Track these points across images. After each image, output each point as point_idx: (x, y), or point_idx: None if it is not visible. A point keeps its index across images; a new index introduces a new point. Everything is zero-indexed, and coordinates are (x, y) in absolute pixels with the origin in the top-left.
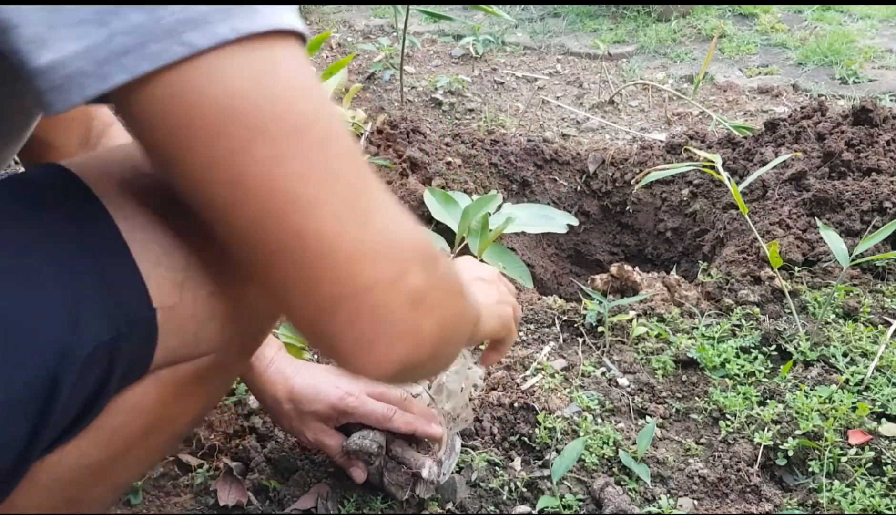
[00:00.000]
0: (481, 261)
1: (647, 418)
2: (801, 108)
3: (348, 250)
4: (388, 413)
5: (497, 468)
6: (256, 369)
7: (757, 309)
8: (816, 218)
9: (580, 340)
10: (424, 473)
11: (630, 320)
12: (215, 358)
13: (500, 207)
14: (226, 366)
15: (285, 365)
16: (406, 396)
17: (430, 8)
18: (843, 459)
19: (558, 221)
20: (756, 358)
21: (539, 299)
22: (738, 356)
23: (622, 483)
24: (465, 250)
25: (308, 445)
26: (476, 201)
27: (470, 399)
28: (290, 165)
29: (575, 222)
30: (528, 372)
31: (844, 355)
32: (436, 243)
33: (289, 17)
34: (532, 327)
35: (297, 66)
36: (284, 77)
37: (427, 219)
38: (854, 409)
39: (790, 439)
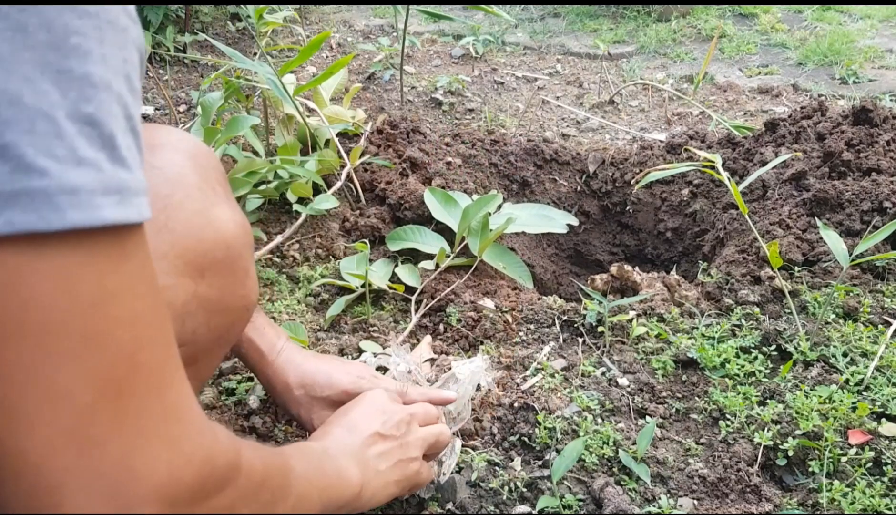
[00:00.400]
0: (482, 261)
1: (647, 418)
2: (801, 108)
3: (52, 480)
4: (401, 388)
5: (497, 468)
6: (267, 357)
7: (757, 309)
8: (816, 218)
9: (580, 340)
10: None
11: (630, 320)
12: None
13: (500, 207)
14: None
15: (295, 353)
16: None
17: (430, 8)
18: (843, 459)
19: (558, 221)
20: (756, 358)
21: (539, 299)
22: (738, 356)
23: (622, 483)
24: (466, 250)
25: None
26: (476, 200)
27: (471, 399)
28: (13, 372)
29: (575, 222)
30: (528, 372)
31: (844, 355)
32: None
33: (114, 210)
34: (532, 327)
35: (70, 260)
36: (42, 274)
37: (427, 218)
38: (854, 409)
39: (790, 439)
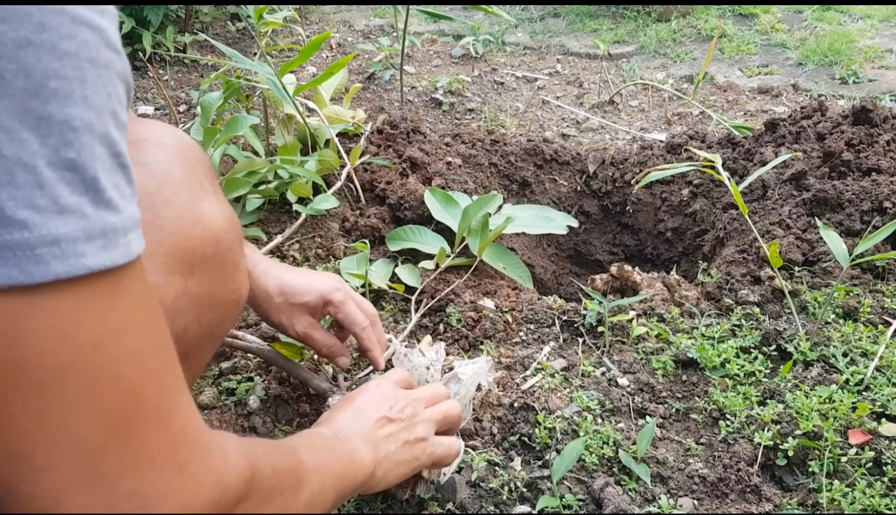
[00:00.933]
0: (482, 261)
1: (647, 418)
2: (801, 108)
3: None
4: (363, 323)
5: (497, 468)
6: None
7: (757, 309)
8: (816, 218)
9: (580, 340)
10: (424, 473)
11: (630, 320)
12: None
13: (500, 207)
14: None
15: (273, 265)
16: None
17: (430, 8)
18: (843, 459)
19: (558, 222)
20: (756, 358)
21: (539, 299)
22: (738, 356)
23: (622, 483)
24: (466, 250)
25: (295, 338)
26: (476, 201)
27: (472, 399)
28: (14, 421)
29: (575, 224)
30: (528, 372)
31: (844, 355)
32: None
33: (99, 256)
34: (532, 327)
35: (67, 305)
36: (40, 321)
37: (427, 218)
38: (854, 409)
39: (790, 439)
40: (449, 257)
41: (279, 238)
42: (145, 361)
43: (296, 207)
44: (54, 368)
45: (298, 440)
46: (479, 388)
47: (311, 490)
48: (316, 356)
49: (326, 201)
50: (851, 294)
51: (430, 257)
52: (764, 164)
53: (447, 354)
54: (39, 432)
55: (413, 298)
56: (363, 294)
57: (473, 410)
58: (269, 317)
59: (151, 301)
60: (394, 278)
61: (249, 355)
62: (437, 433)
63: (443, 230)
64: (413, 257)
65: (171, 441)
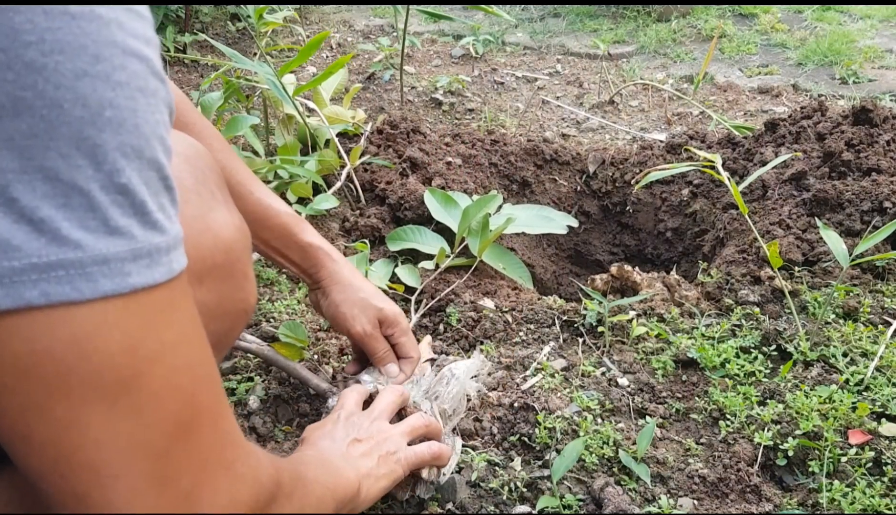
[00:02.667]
0: (482, 262)
1: (647, 418)
2: (801, 108)
3: None
4: (416, 356)
5: (497, 468)
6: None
7: (757, 309)
8: (816, 218)
9: (580, 340)
10: (424, 473)
11: (630, 321)
12: None
13: (500, 207)
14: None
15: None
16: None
17: (430, 8)
18: (843, 459)
19: (558, 222)
20: (756, 358)
21: (539, 299)
22: (738, 356)
23: (622, 483)
24: (466, 250)
25: (354, 334)
26: (476, 201)
27: (467, 397)
28: (87, 431)
29: (575, 224)
30: (528, 372)
31: (844, 355)
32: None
33: (142, 275)
34: (532, 327)
35: (130, 321)
36: (107, 337)
37: (427, 219)
38: (854, 409)
39: (790, 439)
40: (449, 257)
41: None
42: (198, 369)
43: (295, 207)
44: (124, 381)
45: (295, 459)
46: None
47: (317, 497)
48: (315, 357)
49: (326, 201)
50: (851, 294)
51: (429, 257)
52: (764, 164)
53: (447, 354)
54: (113, 441)
55: (413, 298)
56: None
57: (473, 410)
58: (338, 307)
59: (196, 313)
60: (394, 279)
61: (249, 355)
62: (417, 442)
63: (443, 230)
64: (413, 257)
65: (221, 443)
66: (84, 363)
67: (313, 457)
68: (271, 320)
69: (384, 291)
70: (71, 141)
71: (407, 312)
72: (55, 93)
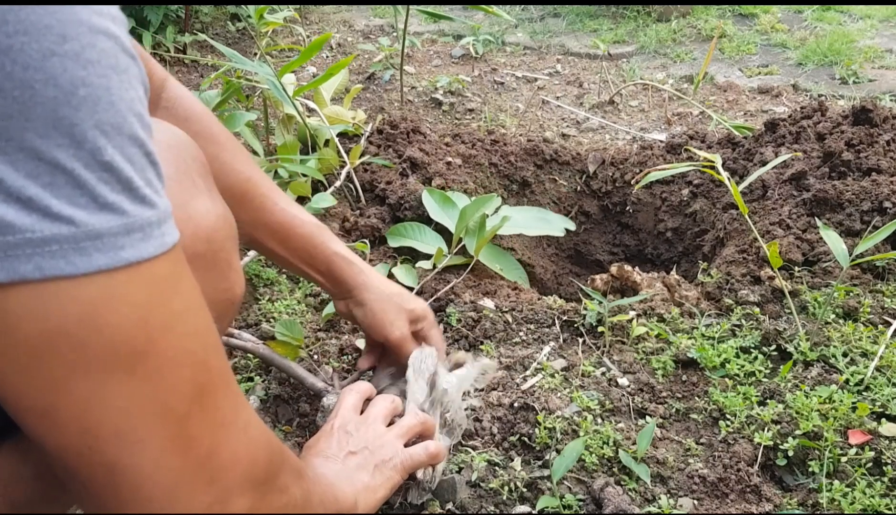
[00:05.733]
0: (478, 260)
1: (647, 418)
2: (801, 108)
3: (165, 482)
4: (442, 347)
5: (497, 468)
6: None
7: (757, 309)
8: (816, 218)
9: (580, 340)
10: (419, 474)
11: (630, 321)
12: None
13: (498, 208)
14: None
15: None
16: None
17: (430, 8)
18: (843, 459)
19: (556, 224)
20: (756, 358)
21: (539, 299)
22: (738, 356)
23: (622, 483)
24: (463, 250)
25: (390, 339)
26: (473, 201)
27: (467, 408)
28: (110, 401)
29: (572, 227)
30: (528, 372)
31: (844, 355)
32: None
33: (136, 248)
34: (532, 327)
35: (137, 293)
36: (117, 310)
37: (427, 219)
38: (854, 409)
39: (790, 439)
40: (446, 257)
41: None
42: (207, 335)
43: None
44: (139, 351)
45: None
46: (468, 393)
47: (320, 495)
48: (315, 356)
49: (325, 200)
50: (851, 294)
51: (427, 257)
52: (764, 164)
53: (447, 354)
54: (136, 408)
55: None
56: None
57: (473, 410)
58: (375, 315)
59: (196, 283)
60: (391, 278)
61: (249, 355)
62: (413, 442)
63: (442, 231)
64: (413, 257)
65: (234, 404)
66: (97, 336)
67: (310, 475)
68: (271, 320)
69: None
70: (47, 121)
71: None
72: (24, 74)
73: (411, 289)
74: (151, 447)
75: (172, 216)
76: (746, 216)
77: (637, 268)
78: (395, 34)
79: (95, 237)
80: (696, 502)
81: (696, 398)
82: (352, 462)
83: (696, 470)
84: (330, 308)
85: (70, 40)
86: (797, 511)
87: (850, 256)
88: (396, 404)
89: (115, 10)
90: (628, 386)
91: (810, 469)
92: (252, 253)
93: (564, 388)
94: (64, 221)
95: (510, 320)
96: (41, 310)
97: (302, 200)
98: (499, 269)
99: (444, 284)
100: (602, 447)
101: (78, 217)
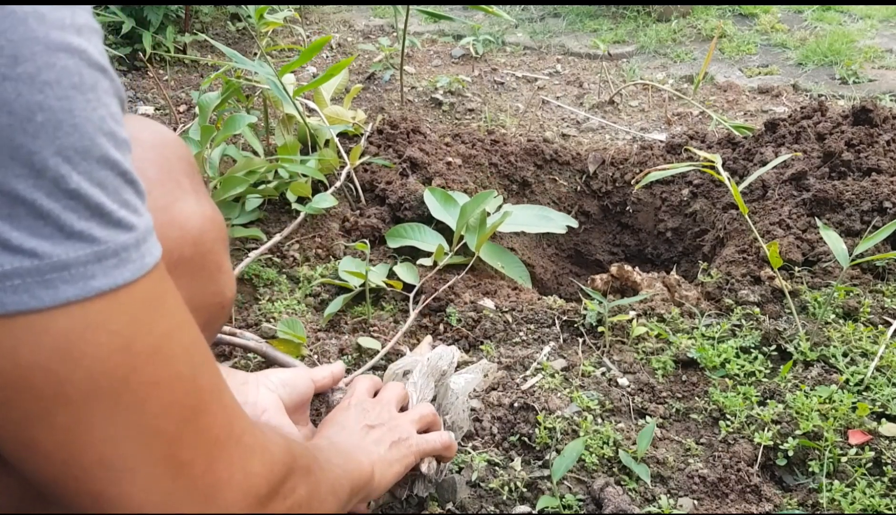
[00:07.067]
0: (481, 261)
1: (647, 418)
2: (801, 108)
3: (157, 507)
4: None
5: (497, 468)
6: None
7: (757, 309)
8: (816, 218)
9: (580, 340)
10: (423, 467)
11: (630, 321)
12: None
13: (499, 207)
14: None
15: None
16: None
17: (430, 8)
18: (843, 459)
19: (557, 222)
20: (756, 358)
21: (539, 299)
22: (738, 356)
23: (622, 483)
24: (464, 249)
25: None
26: (473, 198)
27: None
28: (95, 432)
29: (574, 224)
30: (528, 372)
31: (844, 355)
32: (302, 460)
33: (110, 275)
34: (532, 327)
35: (117, 320)
36: (95, 340)
37: (427, 219)
38: (854, 409)
39: (790, 439)
40: (447, 254)
41: (278, 237)
42: (195, 353)
43: (295, 206)
44: (123, 378)
45: (307, 446)
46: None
47: (334, 478)
48: (315, 356)
49: (325, 200)
50: (851, 294)
51: (428, 254)
52: (764, 164)
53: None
54: (122, 436)
55: (411, 296)
56: (362, 294)
57: (473, 410)
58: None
59: (180, 297)
60: (392, 277)
61: (249, 354)
62: (420, 432)
63: (443, 230)
64: (413, 257)
65: (227, 419)
66: (76, 368)
67: (326, 445)
68: (271, 320)
69: (383, 291)
70: (3, 150)
71: (407, 312)
72: None
73: (412, 287)
74: (141, 475)
75: (154, 232)
76: (746, 216)
77: (637, 268)
78: (395, 34)
79: (62, 268)
80: (696, 502)
81: (696, 398)
82: (370, 436)
83: (696, 470)
84: (332, 308)
85: (23, 62)
86: (797, 511)
87: (850, 256)
88: (407, 392)
89: (82, 18)
90: (628, 386)
91: (810, 469)
92: (252, 254)
93: (564, 388)
94: (25, 254)
95: (510, 320)
96: (11, 345)
97: (302, 200)
98: (500, 266)
99: (444, 283)
100: (602, 448)
101: (41, 249)
